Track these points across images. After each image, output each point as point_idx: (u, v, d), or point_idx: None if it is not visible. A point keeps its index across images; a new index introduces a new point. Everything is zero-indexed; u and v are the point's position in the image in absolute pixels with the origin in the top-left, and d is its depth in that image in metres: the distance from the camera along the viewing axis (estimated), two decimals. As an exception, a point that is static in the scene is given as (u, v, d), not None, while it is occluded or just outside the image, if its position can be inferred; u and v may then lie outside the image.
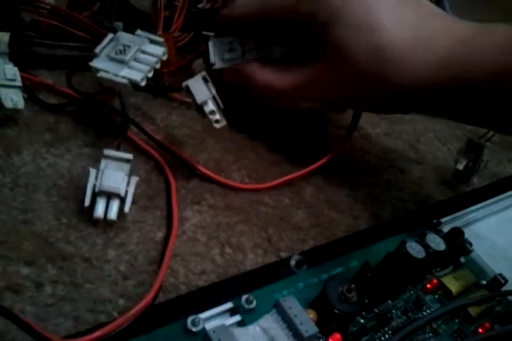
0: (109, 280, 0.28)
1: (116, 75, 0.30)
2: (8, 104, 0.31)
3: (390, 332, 0.28)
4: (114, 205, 0.29)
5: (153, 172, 0.34)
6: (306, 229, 0.33)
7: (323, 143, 0.40)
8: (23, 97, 0.32)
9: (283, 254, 0.31)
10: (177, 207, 0.31)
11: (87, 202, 0.28)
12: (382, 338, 0.28)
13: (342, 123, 0.42)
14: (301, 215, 0.34)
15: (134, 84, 0.31)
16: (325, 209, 0.35)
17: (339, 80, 0.33)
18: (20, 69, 0.32)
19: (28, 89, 0.34)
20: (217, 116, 0.32)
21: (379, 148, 0.42)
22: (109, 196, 0.29)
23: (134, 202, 0.30)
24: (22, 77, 0.32)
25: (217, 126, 0.32)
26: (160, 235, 0.31)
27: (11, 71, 0.32)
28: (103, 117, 0.35)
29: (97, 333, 0.24)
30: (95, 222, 0.29)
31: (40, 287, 0.26)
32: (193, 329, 0.25)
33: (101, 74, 0.30)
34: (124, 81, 0.30)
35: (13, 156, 0.31)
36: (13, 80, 0.32)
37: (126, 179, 0.29)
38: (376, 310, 0.29)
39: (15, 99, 0.32)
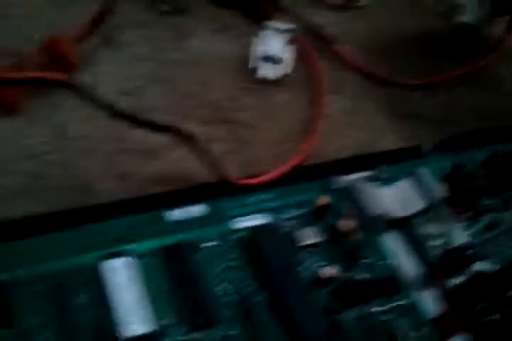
0: (266, 144, 0.32)
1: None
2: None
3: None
4: (273, 68, 0.33)
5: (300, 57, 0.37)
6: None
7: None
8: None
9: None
10: (323, 90, 0.35)
11: (252, 64, 0.33)
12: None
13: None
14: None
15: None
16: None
17: None
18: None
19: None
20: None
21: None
22: (270, 60, 0.33)
23: (283, 81, 0.34)
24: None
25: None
26: (305, 114, 0.34)
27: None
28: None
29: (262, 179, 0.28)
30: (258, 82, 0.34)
31: (209, 142, 0.31)
32: (335, 187, 0.29)
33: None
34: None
35: (182, 40, 0.36)
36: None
37: (285, 46, 0.34)
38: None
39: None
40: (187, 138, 0.25)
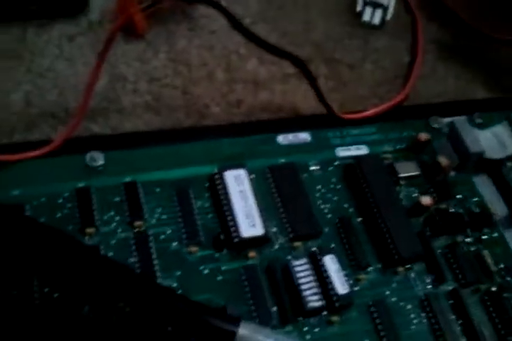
0: (366, 84, 0.33)
1: None
2: None
3: None
4: (378, 13, 0.35)
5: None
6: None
7: None
8: None
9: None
10: (421, 38, 0.35)
11: (358, 8, 0.35)
12: None
13: None
14: None
15: None
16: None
17: None
18: None
19: None
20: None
21: None
22: (375, 5, 0.35)
23: (386, 27, 0.35)
24: None
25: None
26: (406, 60, 0.35)
27: None
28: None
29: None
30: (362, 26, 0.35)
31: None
32: (434, 126, 0.30)
33: None
34: None
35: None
36: None
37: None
38: None
39: None
40: (301, 66, 0.27)
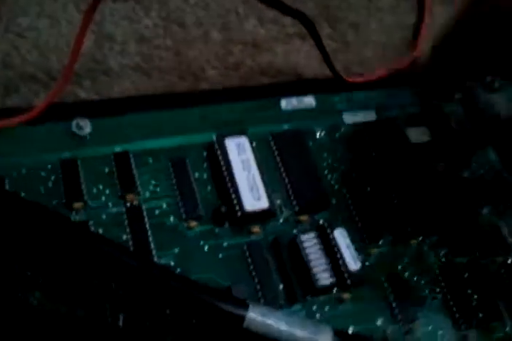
0: (371, 45, 0.30)
1: None
2: None
3: None
4: None
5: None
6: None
7: None
8: None
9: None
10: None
11: None
12: None
13: None
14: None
15: None
16: None
17: None
18: None
19: None
20: None
21: None
22: None
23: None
24: None
25: None
26: (411, 20, 0.32)
27: None
28: None
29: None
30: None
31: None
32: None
33: None
34: None
35: None
36: None
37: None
38: None
39: None
40: (307, 25, 0.24)
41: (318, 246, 0.21)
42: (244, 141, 0.22)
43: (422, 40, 0.30)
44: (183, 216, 0.21)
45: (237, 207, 0.21)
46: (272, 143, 0.24)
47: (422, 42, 0.30)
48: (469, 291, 0.22)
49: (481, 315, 0.22)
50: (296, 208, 0.22)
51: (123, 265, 0.17)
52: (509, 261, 0.24)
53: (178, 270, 0.20)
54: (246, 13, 0.29)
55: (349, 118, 0.25)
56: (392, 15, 0.32)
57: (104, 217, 0.20)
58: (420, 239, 0.23)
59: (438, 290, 0.22)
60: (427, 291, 0.22)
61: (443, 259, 0.23)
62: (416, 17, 0.32)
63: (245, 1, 0.28)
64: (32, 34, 0.25)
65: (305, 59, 0.28)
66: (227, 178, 0.21)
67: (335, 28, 0.30)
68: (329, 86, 0.26)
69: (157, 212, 0.21)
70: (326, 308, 0.21)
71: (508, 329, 0.22)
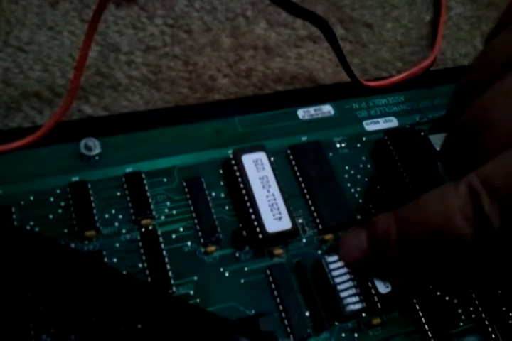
0: (388, 46, 0.28)
1: None
2: None
3: None
4: None
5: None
6: None
7: None
8: None
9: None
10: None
11: None
12: None
13: None
14: None
15: None
16: None
17: None
18: None
19: None
20: None
21: None
22: None
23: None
24: None
25: None
26: (428, 18, 0.30)
27: None
28: None
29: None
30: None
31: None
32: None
33: None
34: None
35: None
36: None
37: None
38: None
39: None
40: (322, 27, 0.22)
41: (345, 269, 0.19)
42: (262, 156, 0.21)
43: (441, 39, 0.29)
44: (201, 240, 0.19)
45: (258, 229, 0.19)
46: (291, 156, 0.22)
47: (440, 40, 0.28)
48: (504, 309, 0.21)
49: (517, 335, 0.20)
50: (320, 227, 0.21)
51: (138, 298, 0.16)
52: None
53: (198, 300, 0.18)
54: (255, 16, 0.27)
55: (370, 126, 0.24)
56: (409, 13, 0.30)
57: (118, 245, 0.19)
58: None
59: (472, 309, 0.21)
60: (459, 311, 0.21)
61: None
62: (432, 14, 0.30)
63: (254, 4, 0.26)
64: (33, 47, 0.23)
65: (319, 63, 0.26)
66: (246, 197, 0.20)
67: (349, 29, 0.28)
68: (347, 91, 0.24)
69: (173, 236, 0.19)
70: (356, 335, 0.19)
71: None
